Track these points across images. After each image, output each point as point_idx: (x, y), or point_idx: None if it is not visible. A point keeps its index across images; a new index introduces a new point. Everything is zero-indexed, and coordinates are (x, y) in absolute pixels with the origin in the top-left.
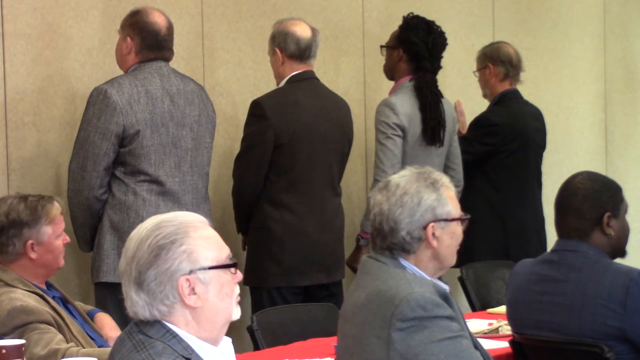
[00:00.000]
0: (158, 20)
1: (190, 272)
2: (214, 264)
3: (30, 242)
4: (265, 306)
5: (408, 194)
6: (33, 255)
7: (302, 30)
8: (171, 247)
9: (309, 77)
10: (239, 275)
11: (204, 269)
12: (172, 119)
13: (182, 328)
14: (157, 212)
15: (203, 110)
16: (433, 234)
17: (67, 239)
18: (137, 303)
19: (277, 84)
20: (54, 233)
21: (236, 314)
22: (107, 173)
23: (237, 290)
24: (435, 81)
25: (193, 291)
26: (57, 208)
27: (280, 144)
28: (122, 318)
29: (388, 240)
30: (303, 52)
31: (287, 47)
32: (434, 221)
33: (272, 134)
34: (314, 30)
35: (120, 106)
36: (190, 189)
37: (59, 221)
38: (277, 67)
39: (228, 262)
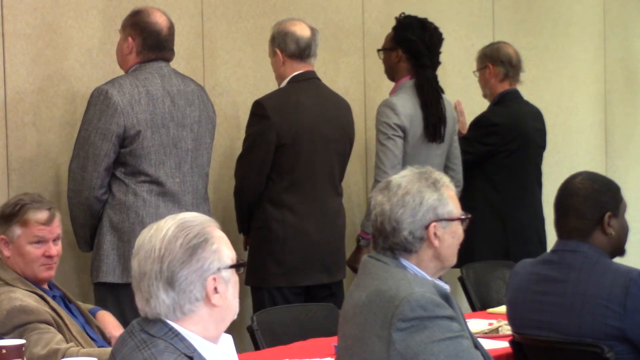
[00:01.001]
0: (159, 20)
1: (218, 270)
2: (232, 262)
3: (2, 236)
4: (266, 306)
5: (410, 194)
6: (6, 252)
7: (301, 30)
8: (205, 245)
9: (310, 77)
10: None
11: (227, 267)
12: (172, 120)
13: (190, 327)
14: (157, 212)
15: (203, 110)
16: (435, 234)
17: (51, 251)
18: (163, 302)
19: (279, 85)
20: (25, 237)
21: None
22: (108, 173)
23: None
24: (435, 77)
25: (216, 290)
26: (39, 215)
27: (282, 144)
28: (122, 318)
29: (390, 240)
30: (303, 51)
31: (287, 46)
32: (436, 221)
33: (274, 134)
34: (313, 30)
35: (121, 107)
36: (191, 190)
37: (33, 227)
38: (278, 68)
39: (238, 261)
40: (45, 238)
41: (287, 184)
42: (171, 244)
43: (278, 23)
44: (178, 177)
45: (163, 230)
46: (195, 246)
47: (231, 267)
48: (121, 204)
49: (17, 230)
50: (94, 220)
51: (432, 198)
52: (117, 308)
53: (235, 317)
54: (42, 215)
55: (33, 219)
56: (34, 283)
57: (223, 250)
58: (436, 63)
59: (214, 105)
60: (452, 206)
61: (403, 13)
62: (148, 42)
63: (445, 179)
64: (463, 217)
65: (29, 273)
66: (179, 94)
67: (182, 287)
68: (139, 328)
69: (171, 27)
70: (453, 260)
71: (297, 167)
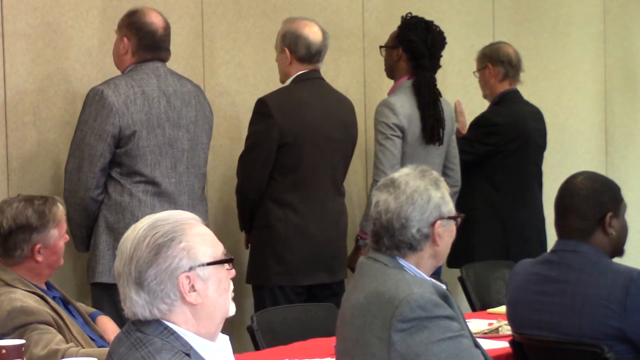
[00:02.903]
0: (155, 20)
1: (190, 269)
2: (212, 259)
3: (38, 246)
4: (267, 305)
5: (418, 192)
6: (39, 258)
7: (314, 34)
8: (170, 244)
9: (314, 77)
10: (233, 272)
11: (203, 265)
12: (168, 120)
13: (181, 326)
14: (152, 212)
15: (200, 111)
16: (437, 232)
17: (67, 237)
18: (137, 303)
19: (282, 81)
20: (60, 235)
21: (232, 309)
22: (103, 174)
23: (232, 285)
24: (434, 80)
25: (193, 288)
26: (61, 210)
27: (285, 143)
28: (119, 318)
29: (396, 238)
30: (313, 56)
31: (297, 49)
32: (440, 219)
33: (277, 132)
34: (324, 34)
35: (117, 107)
36: (187, 190)
37: (63, 223)
38: (284, 66)
39: (224, 257)
40: (66, 227)
41: (290, 183)
42: (140, 244)
43: (291, 20)
44: (174, 178)
45: (135, 231)
46: (160, 245)
47: (210, 264)
48: (117, 205)
49: (55, 233)
50: (90, 221)
51: (436, 196)
52: (113, 308)
53: (231, 313)
54: (61, 208)
55: (62, 215)
56: (34, 283)
57: (196, 247)
58: (436, 66)
59: (212, 106)
60: (451, 205)
61: (410, 13)
62: (144, 42)
63: (441, 178)
64: (461, 215)
65: (56, 267)
66: (175, 94)
67: (151, 287)
68: (135, 328)
69: (167, 27)
70: (445, 258)
71: (300, 166)
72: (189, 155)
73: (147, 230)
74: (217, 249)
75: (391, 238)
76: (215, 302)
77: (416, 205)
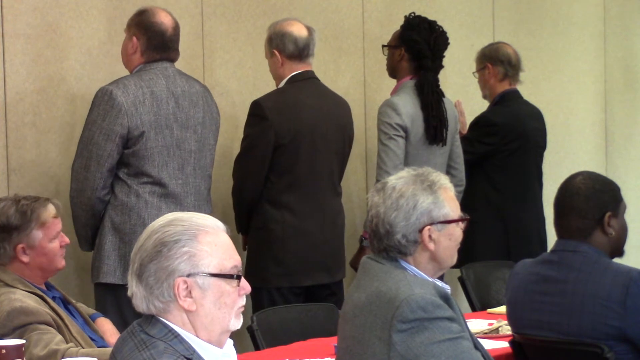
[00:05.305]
0: (164, 20)
1: (189, 275)
2: (216, 271)
3: (20, 246)
4: (266, 306)
5: (404, 197)
6: (25, 258)
7: (298, 30)
8: (174, 246)
9: (309, 77)
10: (246, 288)
11: (204, 274)
12: (176, 121)
13: (181, 328)
14: (158, 214)
15: (207, 112)
16: (429, 237)
17: (66, 240)
18: (136, 294)
19: (277, 85)
20: (46, 236)
21: (235, 324)
22: (111, 174)
23: (241, 302)
24: (436, 80)
25: (190, 294)
26: (50, 211)
27: (281, 145)
28: (121, 319)
29: (384, 243)
30: (302, 51)
31: (285, 47)
32: (430, 224)
33: (273, 134)
34: (309, 29)
35: (126, 107)
36: (193, 191)
37: (51, 224)
38: (276, 69)
39: (231, 273)
40: (59, 229)
41: (287, 184)
42: (150, 237)
43: (274, 24)
44: (181, 179)
45: (155, 223)
46: (164, 243)
47: (211, 275)
48: (123, 205)
49: (38, 234)
50: (95, 221)
51: (426, 201)
52: (117, 308)
53: (233, 328)
54: (51, 209)
55: (49, 216)
56: (34, 284)
57: (201, 255)
58: (438, 66)
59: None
60: (449, 208)
61: (413, 13)
62: (153, 42)
63: (443, 181)
64: (460, 218)
65: (51, 270)
66: (183, 95)
67: (148, 282)
68: (139, 329)
69: (176, 28)
70: (451, 261)
71: (296, 167)
72: (196, 157)
73: (161, 226)
74: (225, 262)
75: (380, 242)
76: (212, 314)
77: (400, 211)
